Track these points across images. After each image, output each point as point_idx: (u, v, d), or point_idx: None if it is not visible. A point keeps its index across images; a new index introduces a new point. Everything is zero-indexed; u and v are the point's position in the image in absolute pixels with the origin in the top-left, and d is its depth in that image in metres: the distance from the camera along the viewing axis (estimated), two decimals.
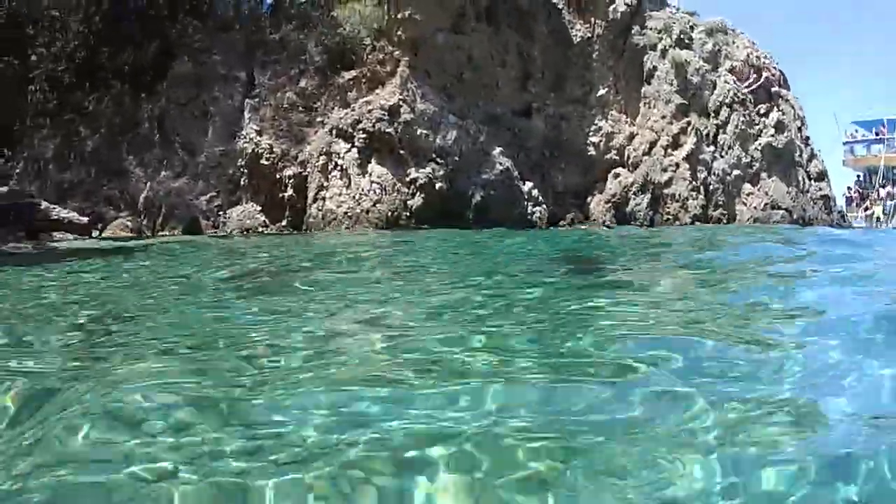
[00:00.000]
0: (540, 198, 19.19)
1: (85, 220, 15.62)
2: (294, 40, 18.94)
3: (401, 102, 17.26)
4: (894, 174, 36.40)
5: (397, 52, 18.20)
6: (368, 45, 18.52)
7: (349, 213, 16.33)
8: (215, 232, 16.90)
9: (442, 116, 17.94)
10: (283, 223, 17.21)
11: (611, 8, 22.48)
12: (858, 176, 40.79)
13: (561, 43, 21.84)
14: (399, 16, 18.25)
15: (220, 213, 17.44)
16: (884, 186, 36.10)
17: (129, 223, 16.96)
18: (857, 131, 41.68)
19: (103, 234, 16.12)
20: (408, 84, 17.69)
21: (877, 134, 39.86)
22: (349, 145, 16.97)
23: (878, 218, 32.98)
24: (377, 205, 16.30)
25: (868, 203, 35.24)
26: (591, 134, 21.68)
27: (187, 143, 18.00)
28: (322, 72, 18.55)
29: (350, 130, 17.04)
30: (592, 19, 22.43)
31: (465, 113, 18.75)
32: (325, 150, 17.11)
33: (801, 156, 26.31)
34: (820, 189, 27.09)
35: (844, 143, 40.76)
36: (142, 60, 17.93)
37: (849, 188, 38.29)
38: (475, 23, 19.99)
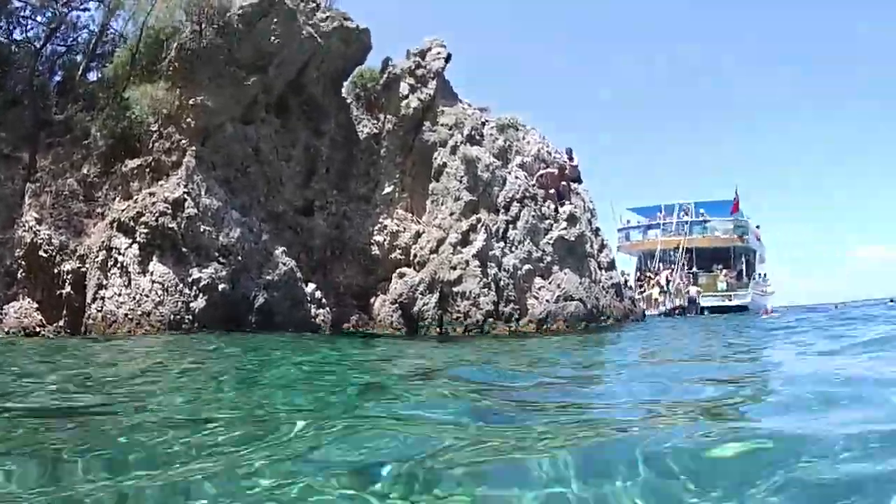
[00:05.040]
0: (323, 300, 21.99)
1: None
2: (80, 122, 20.97)
3: (185, 196, 19.43)
4: (671, 258, 42.65)
5: (184, 141, 20.40)
6: (155, 131, 20.61)
7: (130, 316, 18.24)
8: None
9: (226, 212, 20.25)
10: (61, 323, 18.93)
11: (403, 103, 25.94)
12: (639, 259, 47.78)
13: (348, 139, 25.00)
14: (191, 101, 20.54)
15: None
16: (660, 271, 42.34)
17: None
18: (630, 219, 49.23)
19: None
20: (193, 176, 19.89)
21: (650, 218, 47.09)
22: (130, 240, 18.93)
23: (655, 299, 38.53)
24: (159, 307, 18.26)
25: (645, 286, 41.17)
26: (375, 233, 24.88)
27: None
28: (106, 158, 20.62)
29: (132, 224, 19.01)
30: (383, 115, 25.76)
31: (247, 209, 21.29)
32: (105, 244, 19.03)
33: (591, 247, 30.71)
34: (611, 278, 31.74)
35: (619, 230, 47.62)
36: None
37: (622, 272, 44.48)
38: (265, 114, 22.80)
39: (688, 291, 41.10)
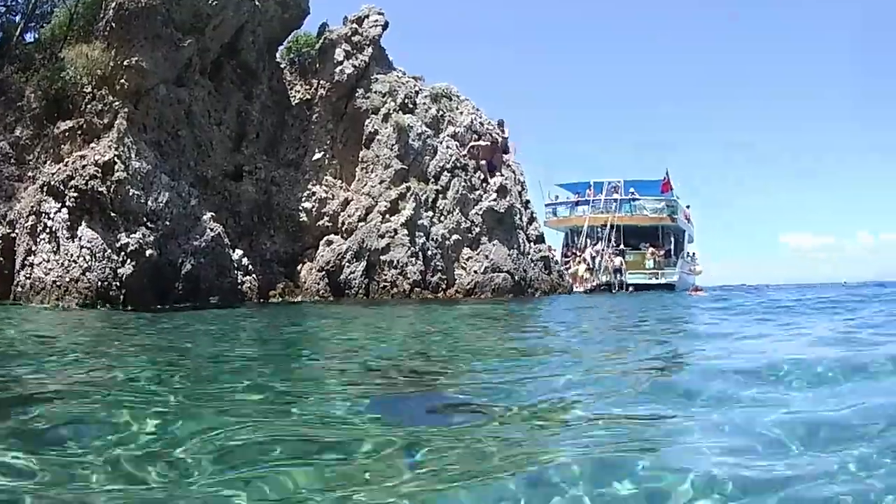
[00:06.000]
0: (250, 266, 23.11)
1: None
2: (15, 83, 21.56)
3: (115, 159, 19.97)
4: (598, 234, 44.25)
5: (117, 103, 20.93)
6: (89, 92, 21.16)
7: (58, 283, 18.99)
8: None
9: (155, 176, 20.99)
10: None
11: (337, 69, 27.03)
12: (566, 236, 49.25)
13: (280, 104, 25.98)
14: (126, 62, 21.10)
15: None
16: (586, 247, 43.88)
17: None
18: (559, 195, 51.20)
19: None
20: (124, 139, 20.47)
21: (579, 195, 49.14)
22: (60, 205, 19.57)
23: (582, 276, 40.10)
24: (86, 273, 19.00)
25: (571, 263, 42.69)
26: (303, 199, 26.11)
27: None
28: (38, 120, 21.21)
29: (62, 188, 19.61)
30: (316, 81, 26.72)
31: (177, 173, 22.14)
32: (35, 209, 19.73)
33: (521, 219, 32.01)
34: (539, 251, 33.19)
35: (547, 205, 49.56)
36: None
37: (549, 247, 46.02)
38: (198, 76, 23.65)
39: (612, 262, 42.69)
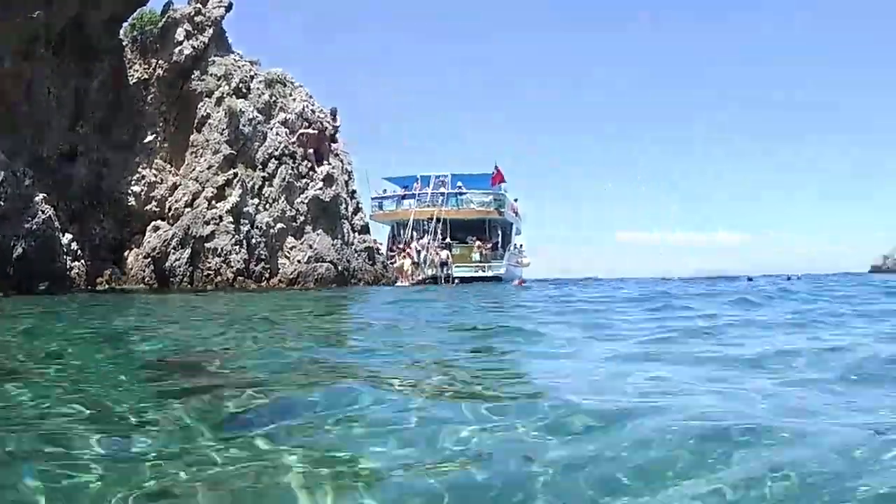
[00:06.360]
0: (79, 252, 23.21)
1: None
2: None
3: None
4: (425, 227, 45.65)
5: None
6: None
7: None
8: None
9: None
10: None
11: (177, 50, 27.36)
12: (392, 229, 50.52)
13: (118, 83, 25.89)
14: None
15: None
16: (412, 241, 45.17)
17: None
18: (386, 188, 52.31)
19: None
20: None
21: (406, 188, 50.69)
22: None
23: (407, 271, 41.36)
24: None
25: (396, 257, 43.92)
26: (133, 183, 26.37)
27: None
28: None
29: None
30: (155, 60, 26.85)
31: (13, 152, 21.85)
32: None
33: (347, 209, 33.02)
34: (364, 241, 34.31)
35: (373, 199, 50.78)
36: None
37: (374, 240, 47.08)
38: (43, 51, 23.39)
39: (438, 255, 43.92)
